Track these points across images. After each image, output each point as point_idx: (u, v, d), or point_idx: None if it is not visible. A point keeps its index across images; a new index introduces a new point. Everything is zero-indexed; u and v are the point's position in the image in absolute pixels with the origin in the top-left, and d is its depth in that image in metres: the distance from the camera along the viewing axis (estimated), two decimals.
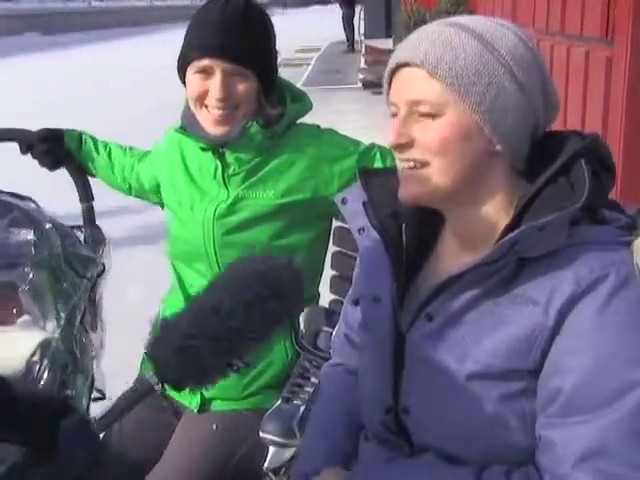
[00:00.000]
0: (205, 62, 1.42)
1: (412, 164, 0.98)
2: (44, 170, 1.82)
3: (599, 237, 0.94)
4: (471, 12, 7.67)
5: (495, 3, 5.82)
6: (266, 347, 0.85)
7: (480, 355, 0.96)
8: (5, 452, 0.76)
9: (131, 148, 1.83)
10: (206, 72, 1.43)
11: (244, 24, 1.43)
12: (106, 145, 1.82)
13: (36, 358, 1.15)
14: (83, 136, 1.81)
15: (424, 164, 0.97)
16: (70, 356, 1.22)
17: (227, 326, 0.80)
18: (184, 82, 1.50)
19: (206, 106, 1.46)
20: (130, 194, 1.82)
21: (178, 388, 0.82)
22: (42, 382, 1.13)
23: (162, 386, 0.81)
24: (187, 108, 1.54)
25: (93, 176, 1.84)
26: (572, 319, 0.91)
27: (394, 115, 1.00)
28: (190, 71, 1.46)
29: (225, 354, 0.81)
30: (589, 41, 3.52)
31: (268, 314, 0.82)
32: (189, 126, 1.53)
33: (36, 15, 28.37)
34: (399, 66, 0.98)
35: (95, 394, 1.42)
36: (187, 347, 0.79)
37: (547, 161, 0.98)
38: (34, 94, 11.01)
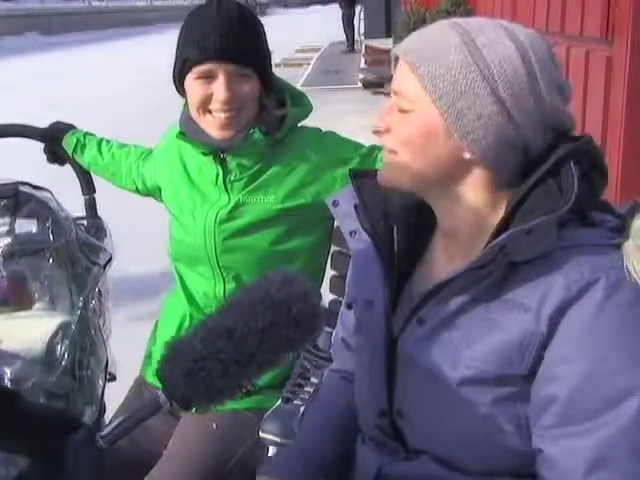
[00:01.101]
0: (207, 66, 1.41)
1: (387, 151, 1.01)
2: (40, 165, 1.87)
3: (588, 240, 0.93)
4: (471, 12, 7.66)
5: (495, 3, 5.82)
6: (275, 369, 0.85)
7: (471, 361, 0.95)
8: (12, 464, 0.77)
9: (136, 146, 1.84)
10: (208, 76, 1.42)
11: (240, 25, 1.42)
12: (111, 147, 1.83)
13: (57, 339, 1.18)
14: (86, 140, 1.83)
15: (394, 152, 0.99)
16: (87, 338, 1.26)
17: (239, 350, 0.80)
18: (180, 90, 1.49)
19: (210, 111, 1.45)
20: (140, 194, 1.83)
21: (186, 407, 0.82)
22: (63, 362, 1.15)
23: (170, 404, 0.81)
24: (185, 113, 1.53)
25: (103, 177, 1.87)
26: (564, 326, 0.90)
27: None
28: (191, 77, 1.44)
29: (235, 377, 0.81)
30: (589, 41, 3.51)
31: (280, 341, 0.82)
32: (189, 132, 1.52)
33: (36, 15, 28.32)
34: (396, 57, 1.01)
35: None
36: (197, 368, 0.79)
37: (539, 163, 0.97)
38: (34, 94, 11.01)
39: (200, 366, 0.79)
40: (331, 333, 1.43)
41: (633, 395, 0.86)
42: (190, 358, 0.80)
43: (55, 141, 1.85)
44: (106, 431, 0.80)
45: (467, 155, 0.95)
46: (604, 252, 0.92)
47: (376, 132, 1.01)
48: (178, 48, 1.46)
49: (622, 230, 0.93)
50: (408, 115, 0.96)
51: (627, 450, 0.86)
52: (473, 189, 0.98)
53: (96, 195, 1.89)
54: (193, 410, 0.83)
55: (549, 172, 0.94)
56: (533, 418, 0.93)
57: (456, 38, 0.94)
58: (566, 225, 0.93)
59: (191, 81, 1.44)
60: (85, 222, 1.82)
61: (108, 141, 1.85)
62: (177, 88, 1.50)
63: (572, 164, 0.93)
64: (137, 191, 1.82)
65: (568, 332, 0.90)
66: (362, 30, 16.59)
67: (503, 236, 0.90)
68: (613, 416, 0.86)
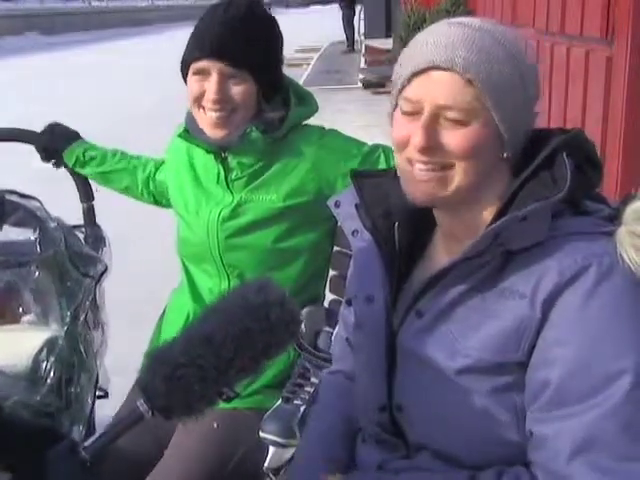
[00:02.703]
0: (202, 63, 1.43)
1: (433, 166, 0.97)
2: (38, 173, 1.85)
3: (582, 228, 0.94)
4: (471, 12, 7.66)
5: (495, 3, 5.82)
6: (255, 377, 0.86)
7: (469, 350, 0.96)
8: None
9: (154, 160, 1.83)
10: (203, 73, 1.43)
11: (245, 27, 1.42)
12: (124, 159, 1.82)
13: (43, 356, 1.16)
14: (86, 157, 1.81)
15: (449, 166, 0.96)
16: (75, 354, 1.23)
17: (217, 356, 0.80)
18: (186, 83, 1.51)
19: (203, 108, 1.46)
20: (157, 205, 1.84)
21: (167, 416, 0.82)
22: (49, 380, 1.13)
23: (152, 413, 0.81)
24: (190, 110, 1.54)
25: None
26: (556, 311, 0.91)
27: (407, 112, 0.98)
28: (190, 72, 1.46)
29: (214, 383, 0.81)
30: (589, 41, 3.51)
31: (257, 347, 0.83)
32: (192, 130, 1.53)
33: (36, 15, 28.33)
34: (431, 67, 0.95)
35: (98, 392, 1.42)
36: (177, 376, 0.80)
37: (532, 157, 0.99)
38: (34, 94, 11.01)
39: (179, 373, 0.79)
40: (331, 333, 1.43)
41: (623, 377, 0.87)
42: (169, 366, 0.80)
43: (55, 155, 1.83)
44: (89, 443, 0.80)
45: (506, 154, 0.98)
46: (597, 239, 0.93)
47: (425, 151, 0.96)
48: (188, 41, 1.48)
49: (615, 219, 0.95)
50: (465, 128, 0.94)
51: (615, 427, 0.87)
52: (497, 188, 1.00)
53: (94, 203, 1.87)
54: (175, 419, 0.83)
55: (542, 165, 0.96)
56: (527, 403, 0.94)
57: (498, 46, 0.95)
58: (560, 215, 0.95)
59: (190, 76, 1.47)
60: (83, 230, 1.79)
61: (114, 154, 1.82)
62: (184, 79, 1.51)
63: (564, 156, 0.95)
64: (156, 202, 1.83)
65: (561, 316, 0.91)
66: (362, 30, 16.61)
67: (497, 223, 0.92)
68: (603, 398, 0.88)
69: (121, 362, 1.57)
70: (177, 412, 0.82)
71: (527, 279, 0.93)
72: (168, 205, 1.76)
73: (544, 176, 0.96)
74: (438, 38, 0.96)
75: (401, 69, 0.99)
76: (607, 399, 0.87)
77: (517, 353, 0.94)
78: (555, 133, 1.00)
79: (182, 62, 1.48)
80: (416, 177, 0.98)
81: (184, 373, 0.79)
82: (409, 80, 0.98)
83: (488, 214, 0.99)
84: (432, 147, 0.96)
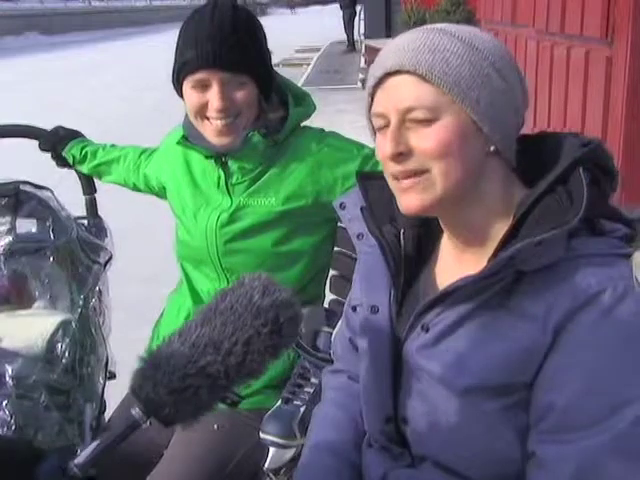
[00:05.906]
0: (200, 75, 1.40)
1: (411, 173, 0.95)
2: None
3: (597, 250, 0.92)
4: (471, 12, 7.66)
5: (495, 3, 5.81)
6: (260, 377, 0.84)
7: (476, 369, 0.94)
8: None
9: (134, 149, 1.84)
10: (203, 84, 1.41)
11: (234, 31, 1.40)
12: (108, 155, 1.83)
13: (58, 337, 1.19)
14: (82, 154, 1.84)
15: (424, 172, 0.94)
16: (88, 336, 1.26)
17: (226, 364, 0.78)
18: (180, 94, 1.48)
19: (207, 118, 1.44)
20: (141, 192, 1.84)
21: (169, 424, 0.79)
22: (64, 360, 1.16)
23: (150, 422, 0.78)
24: (188, 116, 1.52)
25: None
26: (567, 335, 0.89)
27: (380, 128, 0.98)
28: (186, 85, 1.43)
29: (222, 390, 0.80)
30: (589, 41, 3.52)
31: (266, 349, 0.81)
32: (191, 135, 1.51)
33: (36, 15, 28.36)
34: (387, 75, 0.95)
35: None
36: (184, 387, 0.77)
37: (543, 164, 0.96)
38: (34, 94, 11.01)
39: (188, 384, 0.77)
40: (331, 333, 1.43)
41: (629, 406, 0.86)
42: (176, 376, 0.77)
43: (56, 154, 1.86)
44: (80, 459, 0.76)
45: (492, 147, 0.95)
46: (613, 262, 0.90)
47: (397, 157, 0.94)
48: (176, 53, 1.45)
49: (632, 239, 0.92)
50: (434, 125, 0.93)
51: (618, 456, 0.86)
52: (494, 187, 0.97)
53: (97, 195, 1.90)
54: (176, 426, 0.80)
55: (557, 179, 0.93)
56: (532, 423, 0.93)
57: (453, 40, 0.94)
58: (575, 234, 0.92)
59: (188, 88, 1.43)
60: (86, 221, 1.83)
61: (104, 147, 1.85)
62: (177, 91, 1.50)
63: (581, 171, 0.92)
64: (140, 191, 1.83)
65: (571, 340, 0.89)
66: (362, 30, 16.59)
67: (513, 248, 0.89)
68: (607, 425, 0.86)
69: (118, 360, 1.57)
70: (180, 420, 0.79)
71: (539, 301, 0.90)
72: (152, 194, 1.79)
73: (559, 191, 0.93)
74: (390, 48, 0.97)
75: (367, 86, 1.00)
76: (612, 426, 0.86)
77: (525, 375, 0.92)
78: (566, 139, 0.97)
79: (176, 74, 1.45)
80: (402, 188, 0.97)
81: (192, 383, 0.77)
82: (372, 96, 0.98)
83: (495, 220, 0.97)
84: (404, 153, 0.94)
